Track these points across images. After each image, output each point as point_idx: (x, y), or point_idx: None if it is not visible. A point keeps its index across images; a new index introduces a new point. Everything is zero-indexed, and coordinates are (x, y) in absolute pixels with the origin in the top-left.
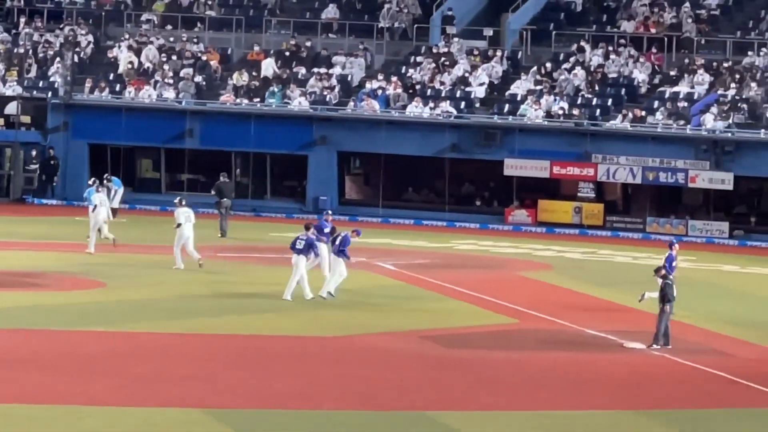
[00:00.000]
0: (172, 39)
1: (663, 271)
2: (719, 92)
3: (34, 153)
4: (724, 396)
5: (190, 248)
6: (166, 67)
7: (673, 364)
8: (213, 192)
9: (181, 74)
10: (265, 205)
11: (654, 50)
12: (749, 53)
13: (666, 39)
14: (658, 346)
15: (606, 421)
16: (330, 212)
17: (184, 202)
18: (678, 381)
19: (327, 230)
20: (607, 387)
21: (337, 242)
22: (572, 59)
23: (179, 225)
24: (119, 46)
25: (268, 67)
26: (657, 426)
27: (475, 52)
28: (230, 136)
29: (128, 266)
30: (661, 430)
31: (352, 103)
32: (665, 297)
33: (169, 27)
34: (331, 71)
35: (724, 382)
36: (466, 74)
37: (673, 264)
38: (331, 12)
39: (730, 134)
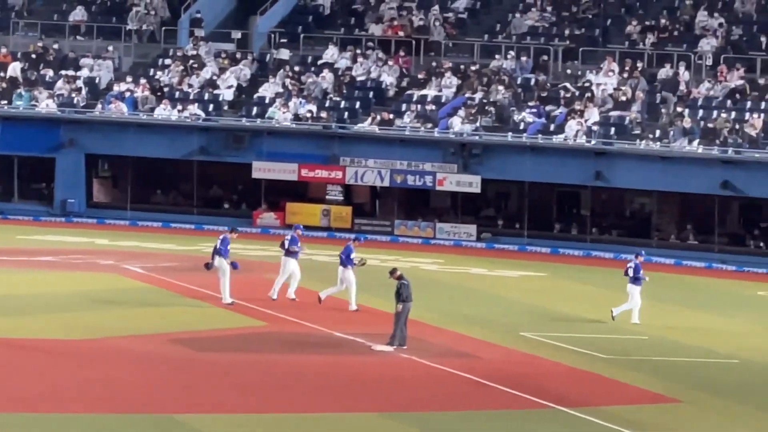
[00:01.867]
0: None
1: (398, 273)
2: (467, 95)
3: None
4: (471, 398)
5: None
6: None
7: (421, 366)
8: None
9: None
10: (12, 207)
11: (402, 53)
12: (496, 56)
13: (414, 42)
14: (393, 347)
15: (355, 423)
16: (301, 227)
17: None
18: (426, 383)
19: (298, 246)
20: (356, 389)
21: (342, 253)
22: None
23: None
24: None
25: (15, 69)
26: (406, 428)
27: (223, 55)
28: None
29: None
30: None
31: (99, 106)
32: (399, 297)
33: None
34: (78, 74)
35: (471, 383)
36: (215, 77)
37: (640, 273)
38: (78, 14)
39: (477, 137)
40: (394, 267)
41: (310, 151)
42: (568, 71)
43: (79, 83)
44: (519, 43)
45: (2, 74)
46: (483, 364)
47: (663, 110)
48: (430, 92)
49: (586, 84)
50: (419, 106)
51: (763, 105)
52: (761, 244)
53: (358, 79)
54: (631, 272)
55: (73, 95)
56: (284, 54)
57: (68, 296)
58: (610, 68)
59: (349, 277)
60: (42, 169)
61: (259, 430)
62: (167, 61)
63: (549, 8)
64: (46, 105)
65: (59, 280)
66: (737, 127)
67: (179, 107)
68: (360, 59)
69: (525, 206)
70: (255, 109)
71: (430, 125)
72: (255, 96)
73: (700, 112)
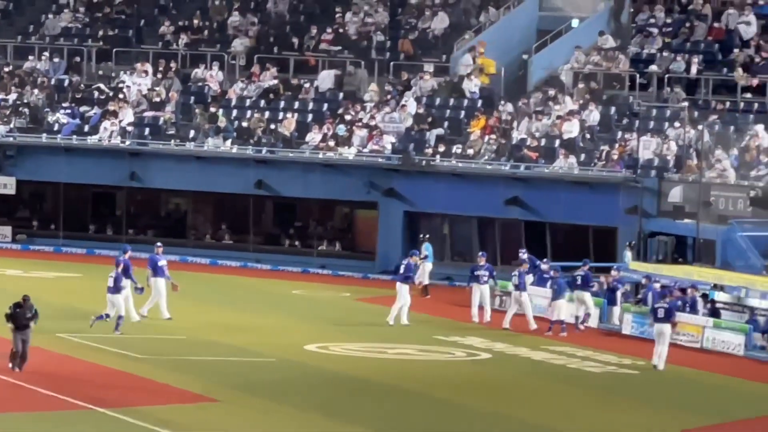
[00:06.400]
0: None
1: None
2: (1, 96)
3: None
4: (6, 400)
5: None
6: None
7: None
8: None
9: None
10: None
11: None
12: (30, 57)
13: None
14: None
15: None
16: (160, 245)
17: None
18: None
19: (161, 263)
20: None
21: (402, 270)
22: None
23: None
24: None
25: None
26: None
27: None
28: None
29: None
30: None
31: None
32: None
33: None
34: None
35: (6, 386)
36: None
37: (590, 281)
38: None
39: (11, 138)
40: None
41: None
42: (102, 72)
43: None
44: (52, 44)
45: None
46: None
47: (197, 110)
48: None
49: (120, 84)
50: None
51: (296, 105)
52: (296, 243)
53: None
54: (579, 280)
55: None
56: None
57: None
58: (144, 69)
59: (405, 294)
60: None
61: None
62: None
63: (82, 9)
64: None
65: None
66: (271, 126)
67: None
68: None
69: (60, 207)
70: None
71: None
72: None
73: (234, 112)
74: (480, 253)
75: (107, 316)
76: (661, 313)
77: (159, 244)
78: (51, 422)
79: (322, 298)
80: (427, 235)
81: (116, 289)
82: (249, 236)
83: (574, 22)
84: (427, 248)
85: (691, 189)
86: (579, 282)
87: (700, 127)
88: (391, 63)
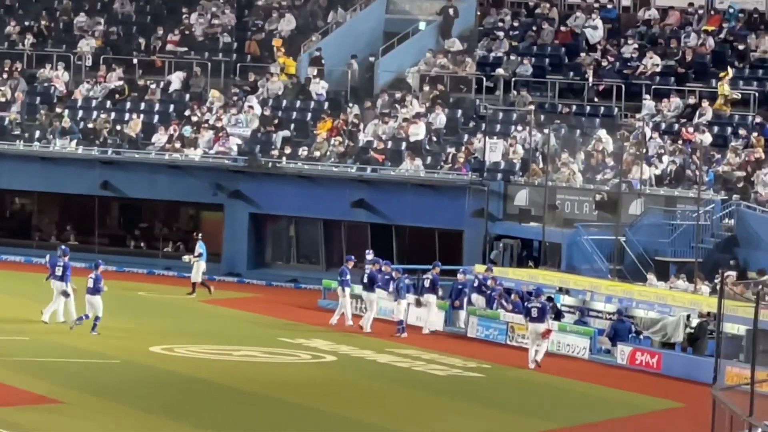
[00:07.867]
0: None
1: None
2: None
3: None
4: None
5: None
6: None
7: None
8: None
9: None
10: None
11: None
12: None
13: None
14: None
15: None
16: (64, 247)
17: None
18: None
19: (60, 265)
20: None
21: (366, 280)
22: None
23: None
24: None
25: None
26: None
27: None
28: None
29: None
30: None
31: None
32: None
33: None
34: None
35: None
36: None
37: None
38: None
39: None
40: None
41: None
42: None
43: None
44: None
45: None
46: None
47: (42, 111)
48: None
49: None
50: None
51: (142, 106)
52: (141, 245)
53: None
54: (476, 282)
55: None
56: None
57: None
58: None
59: (373, 299)
60: None
61: None
62: None
63: None
64: None
65: None
66: (117, 127)
67: None
68: None
69: None
70: None
71: None
72: None
73: (80, 113)
74: (348, 257)
75: (86, 316)
76: (534, 313)
77: (63, 247)
78: None
79: (167, 300)
80: (200, 234)
81: (95, 290)
82: (94, 237)
83: (421, 25)
84: (200, 246)
85: (537, 192)
86: (476, 285)
87: (546, 130)
88: (238, 64)
